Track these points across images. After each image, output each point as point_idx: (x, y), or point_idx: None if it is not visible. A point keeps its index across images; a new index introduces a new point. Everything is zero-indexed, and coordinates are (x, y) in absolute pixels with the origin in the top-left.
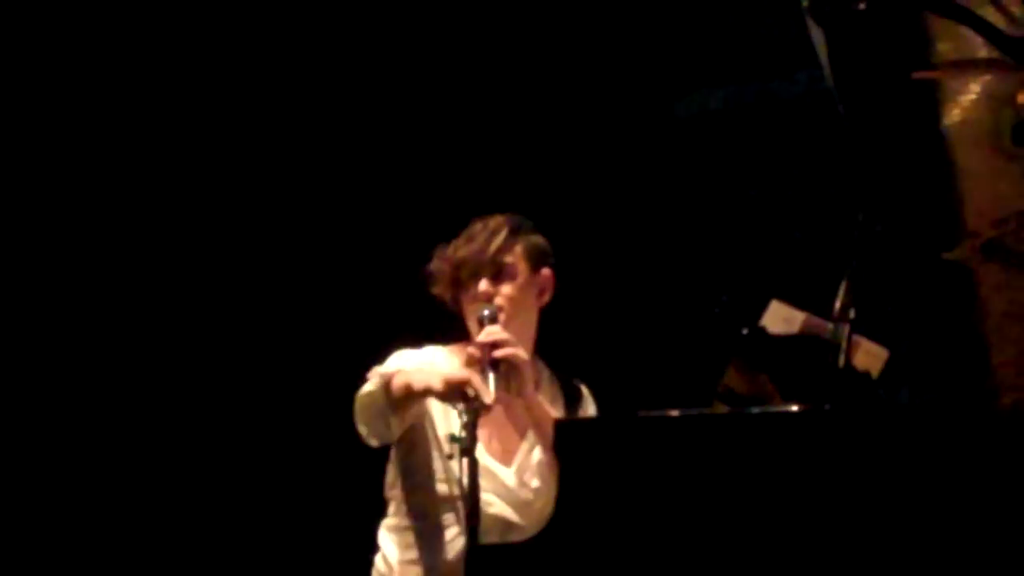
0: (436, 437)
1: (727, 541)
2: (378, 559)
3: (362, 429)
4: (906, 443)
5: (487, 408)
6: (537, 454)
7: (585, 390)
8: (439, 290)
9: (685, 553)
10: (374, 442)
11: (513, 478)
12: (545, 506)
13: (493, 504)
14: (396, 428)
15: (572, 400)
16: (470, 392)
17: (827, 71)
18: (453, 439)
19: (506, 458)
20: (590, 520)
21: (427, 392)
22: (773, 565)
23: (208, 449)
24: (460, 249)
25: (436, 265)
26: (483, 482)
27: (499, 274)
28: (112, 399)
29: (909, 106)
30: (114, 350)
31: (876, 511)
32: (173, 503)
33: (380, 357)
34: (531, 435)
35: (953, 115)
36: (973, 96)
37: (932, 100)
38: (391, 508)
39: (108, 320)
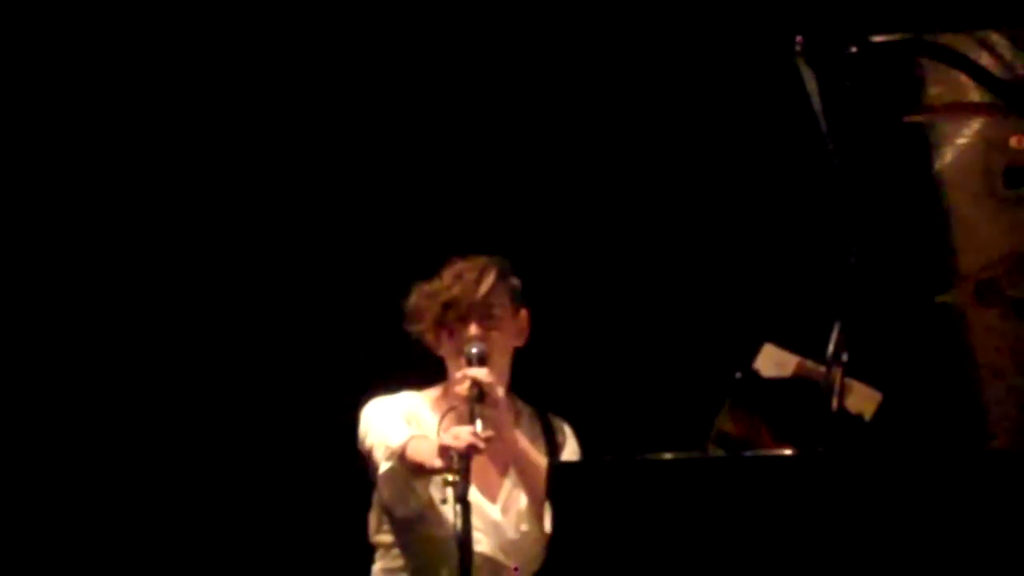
0: (429, 480)
1: None
2: None
3: (395, 507)
4: (900, 486)
5: (480, 451)
6: (521, 493)
7: (566, 427)
8: (420, 328)
9: None
10: (407, 514)
11: (499, 515)
12: (532, 546)
13: (480, 542)
14: (423, 492)
15: (552, 436)
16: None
17: (819, 114)
18: (446, 483)
19: (490, 495)
20: (585, 563)
21: (434, 471)
22: None
23: (192, 476)
24: (449, 289)
25: (419, 303)
26: (474, 519)
27: (489, 317)
28: (97, 400)
29: (901, 150)
30: (93, 352)
31: (871, 555)
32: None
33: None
34: (513, 473)
35: (945, 159)
36: (965, 140)
37: (924, 144)
38: (379, 554)
39: (89, 321)
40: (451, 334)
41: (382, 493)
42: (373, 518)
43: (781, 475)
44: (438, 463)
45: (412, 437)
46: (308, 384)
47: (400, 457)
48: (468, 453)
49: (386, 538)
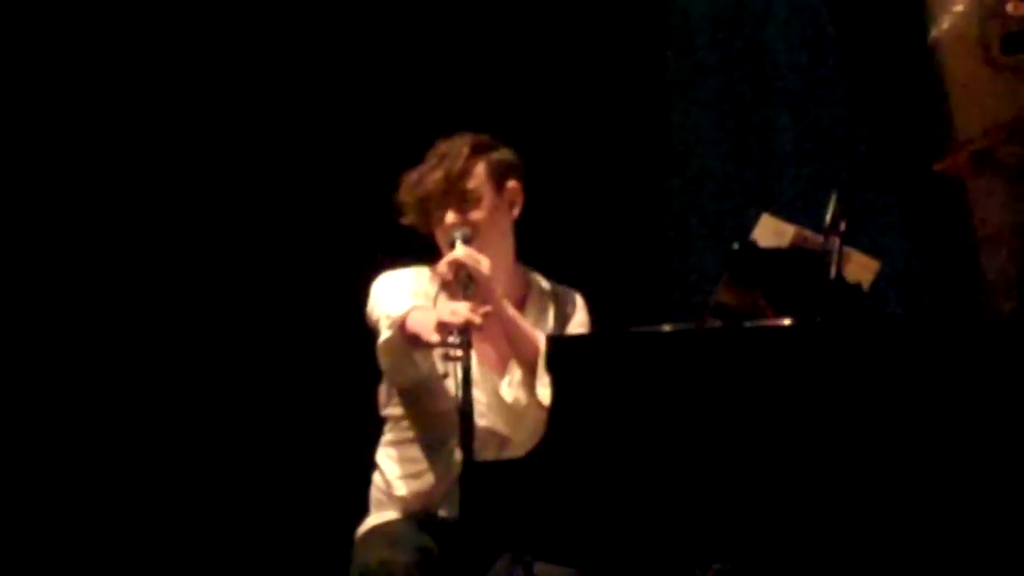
0: (431, 353)
1: (721, 456)
2: (376, 476)
3: (393, 376)
4: (899, 354)
5: (480, 327)
6: (517, 367)
7: (579, 299)
8: (409, 220)
9: (678, 469)
10: (405, 383)
11: (498, 388)
12: (530, 421)
13: (485, 416)
14: (422, 362)
15: (562, 308)
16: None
17: None
18: (447, 358)
19: (498, 370)
20: (584, 435)
21: (431, 344)
22: (765, 479)
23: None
24: (424, 180)
25: (403, 196)
26: (478, 394)
27: (464, 201)
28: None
29: (898, 18)
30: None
31: (870, 424)
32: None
33: (365, 275)
34: (509, 348)
35: (942, 27)
36: (961, 7)
37: (921, 12)
38: (388, 425)
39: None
40: (437, 221)
41: (381, 362)
42: (383, 391)
43: (780, 345)
44: (435, 337)
45: (413, 308)
46: (319, 266)
47: (400, 327)
48: (466, 329)
49: (395, 411)
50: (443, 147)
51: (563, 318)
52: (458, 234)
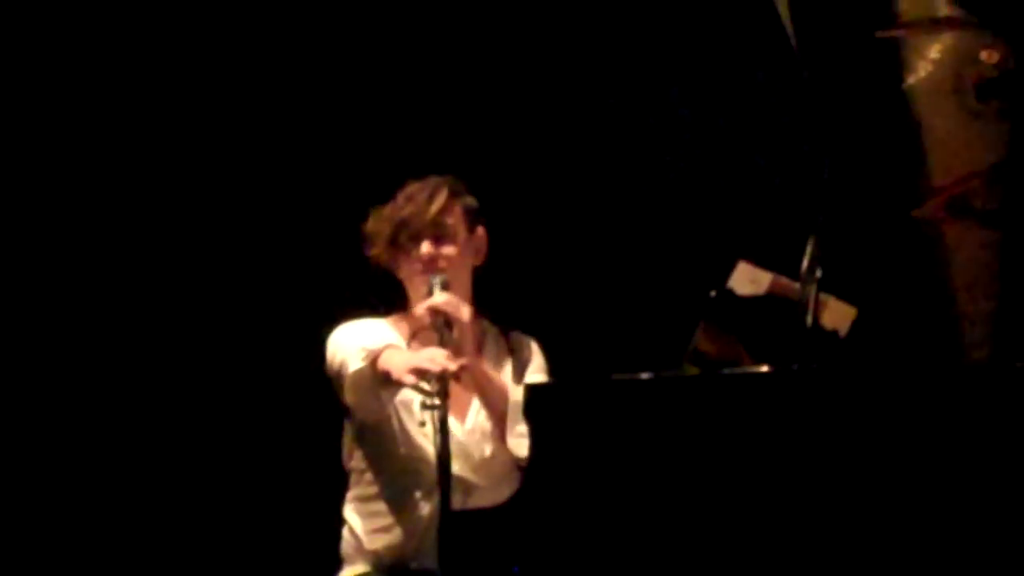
0: (394, 403)
1: (700, 503)
2: (345, 531)
3: (356, 409)
4: (876, 401)
5: (456, 378)
6: (486, 415)
7: (532, 343)
8: (376, 251)
9: (658, 516)
10: (368, 419)
11: (468, 436)
12: (501, 469)
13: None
14: (387, 401)
15: (518, 354)
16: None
17: (790, 31)
18: (425, 407)
19: (459, 416)
20: (562, 483)
21: (403, 384)
22: (746, 526)
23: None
24: (401, 210)
25: (373, 226)
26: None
27: (440, 236)
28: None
29: (873, 65)
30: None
31: (848, 470)
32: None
33: (319, 325)
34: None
35: (917, 74)
36: (937, 55)
37: (896, 59)
38: (352, 479)
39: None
40: (406, 255)
41: (348, 395)
42: (346, 443)
43: (758, 392)
44: (409, 378)
45: (388, 345)
46: (273, 314)
47: (373, 361)
48: (443, 376)
49: (359, 464)
50: (419, 185)
51: (520, 364)
52: (437, 280)
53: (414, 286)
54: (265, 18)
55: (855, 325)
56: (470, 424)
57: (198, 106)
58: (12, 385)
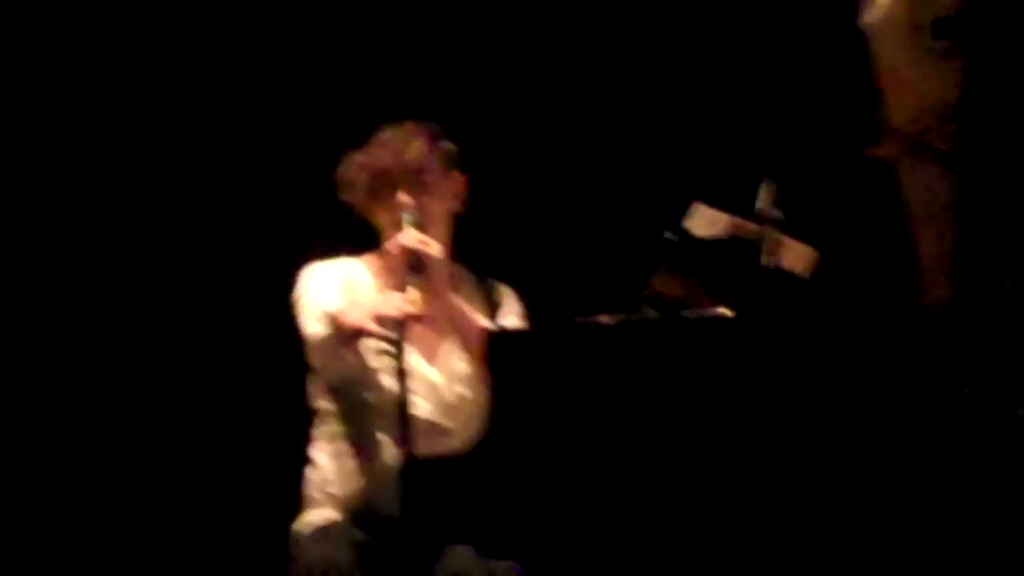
0: (360, 348)
1: (662, 445)
2: (309, 472)
3: (321, 371)
4: (837, 343)
5: (418, 320)
6: (459, 355)
7: (507, 291)
8: (352, 197)
9: (621, 459)
10: (333, 380)
11: (439, 378)
12: (471, 410)
13: (418, 406)
14: (352, 361)
15: (493, 301)
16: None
17: None
18: (381, 351)
19: (429, 358)
20: (525, 428)
21: (365, 333)
22: (706, 468)
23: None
24: (377, 157)
25: (349, 172)
26: (414, 384)
27: (418, 183)
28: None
29: (828, 3)
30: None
31: (808, 413)
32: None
33: (294, 266)
34: (452, 335)
35: (873, 11)
36: None
37: None
38: (318, 418)
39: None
40: (383, 203)
41: (312, 358)
42: (312, 384)
43: (719, 335)
44: (373, 327)
45: (348, 303)
46: (247, 253)
47: (334, 321)
48: (403, 320)
49: (325, 404)
50: (395, 130)
51: (493, 309)
52: (408, 216)
53: (390, 234)
54: None
55: (815, 266)
56: (439, 365)
57: (164, 52)
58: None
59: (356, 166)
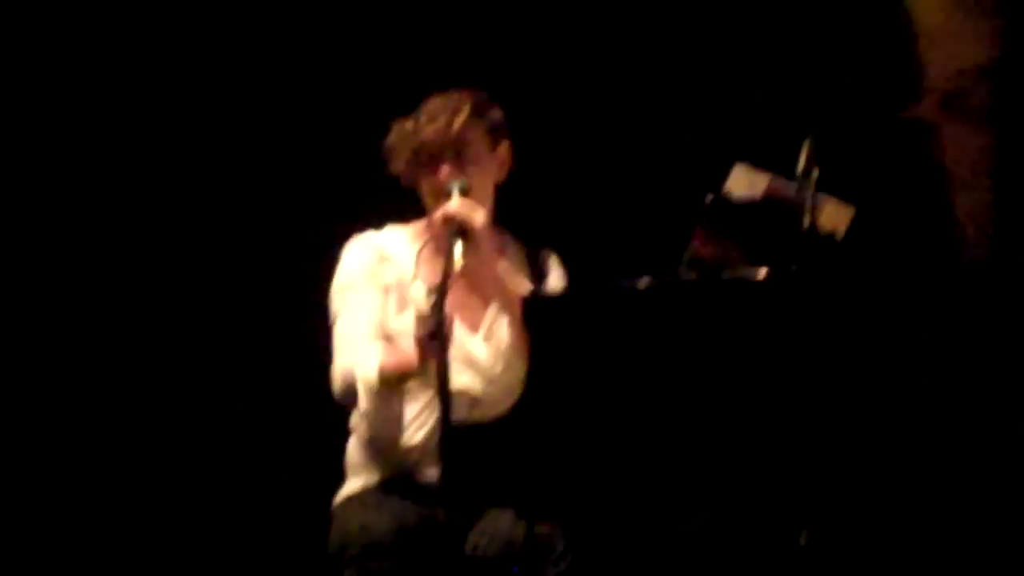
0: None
1: (702, 409)
2: (351, 443)
3: (370, 414)
4: (872, 301)
5: (456, 276)
6: (503, 325)
7: (554, 257)
8: (397, 168)
9: (660, 424)
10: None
11: (480, 347)
12: (512, 380)
13: (459, 375)
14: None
15: (539, 268)
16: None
17: None
18: (420, 317)
19: (472, 327)
20: (565, 392)
21: (418, 372)
22: (746, 432)
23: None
24: (421, 129)
25: (395, 142)
26: (452, 353)
27: (460, 156)
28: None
29: None
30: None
31: (848, 369)
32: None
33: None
34: (496, 305)
35: None
36: None
37: None
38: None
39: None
40: (428, 174)
41: (361, 403)
42: None
43: (756, 295)
44: (416, 364)
45: (382, 357)
46: (288, 225)
47: (379, 384)
48: (444, 284)
49: None
50: (441, 101)
51: (539, 276)
52: (456, 184)
53: (435, 204)
54: None
55: (853, 225)
56: (482, 333)
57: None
58: None
59: (401, 137)
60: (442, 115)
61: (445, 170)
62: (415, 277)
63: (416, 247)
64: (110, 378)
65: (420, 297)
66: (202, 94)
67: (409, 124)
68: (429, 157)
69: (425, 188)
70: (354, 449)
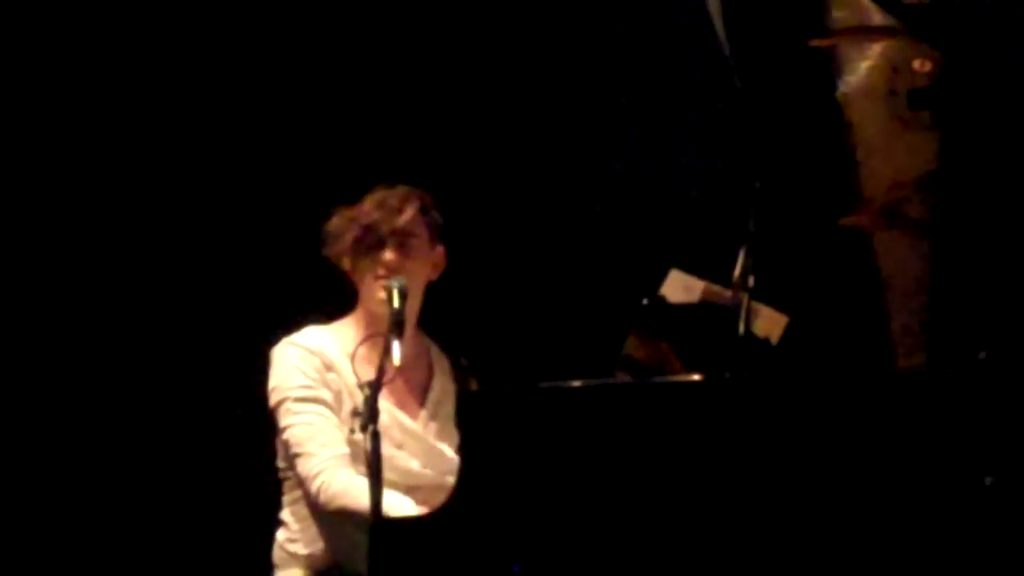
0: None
1: (630, 509)
2: (280, 534)
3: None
4: (807, 409)
5: (393, 372)
6: (440, 412)
7: (464, 363)
8: (337, 250)
9: (588, 522)
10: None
11: (421, 431)
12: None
13: (399, 457)
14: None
15: (458, 373)
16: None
17: (723, 39)
18: (355, 413)
19: (411, 415)
20: (495, 489)
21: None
22: (676, 533)
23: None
24: (369, 214)
25: (338, 225)
26: (397, 434)
27: (405, 246)
28: None
29: (806, 73)
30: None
31: (779, 478)
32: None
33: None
34: (432, 396)
35: (850, 82)
36: (869, 63)
37: (828, 67)
38: (288, 485)
39: None
40: (368, 259)
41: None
42: (283, 451)
43: (689, 400)
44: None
45: (347, 486)
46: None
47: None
48: (379, 379)
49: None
50: (390, 191)
51: (459, 383)
52: (395, 284)
53: (369, 291)
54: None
55: (787, 333)
56: (421, 423)
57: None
58: None
59: (347, 219)
60: (393, 202)
61: (390, 253)
62: (358, 382)
63: (346, 349)
64: (92, 381)
65: (360, 400)
66: None
67: (356, 208)
68: (374, 241)
69: (363, 274)
70: (283, 541)
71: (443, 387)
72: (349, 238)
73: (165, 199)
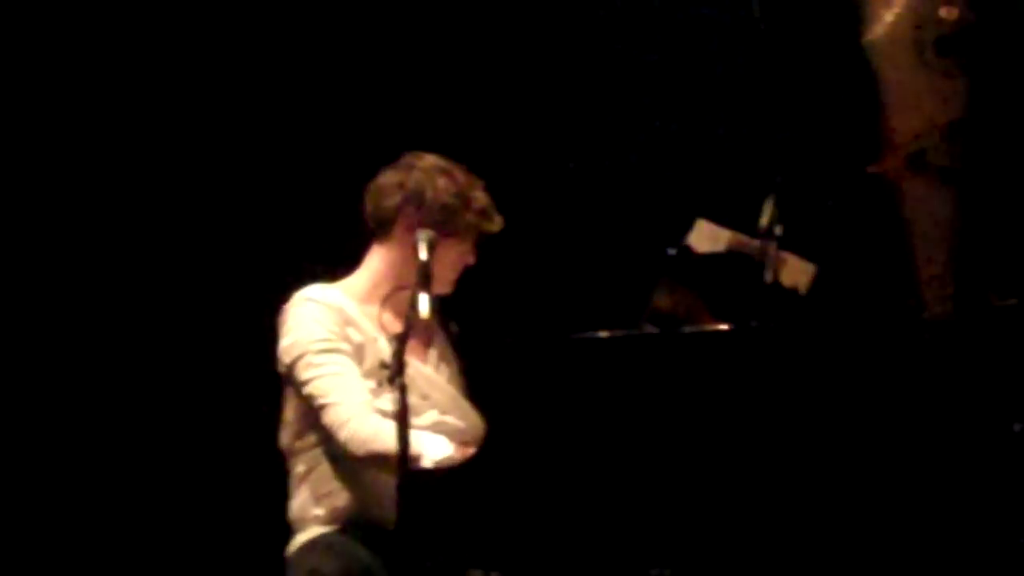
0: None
1: (659, 462)
2: (295, 501)
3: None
4: (834, 358)
5: (421, 321)
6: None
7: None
8: (428, 210)
9: (616, 476)
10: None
11: (434, 375)
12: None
13: (423, 406)
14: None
15: (449, 335)
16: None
17: None
18: (383, 366)
19: (420, 358)
20: (523, 442)
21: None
22: (702, 485)
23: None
24: (484, 208)
25: (448, 200)
26: (423, 385)
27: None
28: None
29: (833, 23)
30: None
31: (805, 426)
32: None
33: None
34: (432, 355)
35: (876, 31)
36: (897, 10)
37: (856, 15)
38: (301, 458)
39: None
40: (444, 235)
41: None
42: (292, 424)
43: (717, 350)
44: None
45: (377, 429)
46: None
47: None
48: (406, 333)
49: (311, 440)
50: (463, 173)
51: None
52: (424, 236)
53: (403, 253)
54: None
55: (815, 282)
56: (431, 367)
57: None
58: None
59: (459, 196)
60: (493, 208)
61: (473, 256)
62: (382, 336)
63: (362, 308)
64: (91, 379)
65: (386, 353)
66: None
67: (459, 182)
68: (465, 226)
69: (399, 233)
70: (297, 506)
71: (441, 349)
72: (462, 222)
73: (163, 195)
